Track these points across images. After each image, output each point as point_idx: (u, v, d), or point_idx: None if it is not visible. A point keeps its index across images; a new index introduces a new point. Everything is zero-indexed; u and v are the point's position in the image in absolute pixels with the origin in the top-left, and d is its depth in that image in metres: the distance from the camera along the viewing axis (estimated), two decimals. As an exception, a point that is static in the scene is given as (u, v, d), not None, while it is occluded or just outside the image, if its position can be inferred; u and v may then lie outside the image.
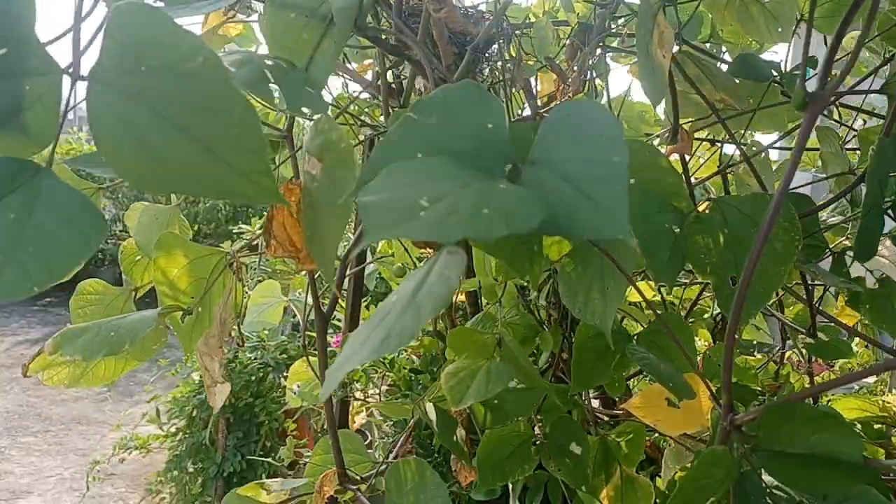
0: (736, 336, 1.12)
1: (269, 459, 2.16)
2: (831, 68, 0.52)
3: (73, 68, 0.43)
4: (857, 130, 1.17)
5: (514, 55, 0.99)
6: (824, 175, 1.12)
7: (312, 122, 0.53)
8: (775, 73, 0.88)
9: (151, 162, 0.42)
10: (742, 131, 0.96)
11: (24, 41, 0.40)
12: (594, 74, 1.18)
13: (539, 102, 1.13)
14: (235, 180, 0.43)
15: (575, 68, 1.06)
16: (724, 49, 1.30)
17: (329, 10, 0.57)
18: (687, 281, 1.31)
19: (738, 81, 0.91)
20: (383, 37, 0.66)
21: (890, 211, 0.66)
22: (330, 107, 0.65)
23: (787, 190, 0.51)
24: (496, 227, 0.39)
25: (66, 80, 0.43)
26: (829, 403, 1.33)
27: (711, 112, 0.90)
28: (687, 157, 0.93)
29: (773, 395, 1.22)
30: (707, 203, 0.72)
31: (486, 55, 0.95)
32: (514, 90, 0.99)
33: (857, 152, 1.17)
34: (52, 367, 0.65)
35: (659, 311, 1.28)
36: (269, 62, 0.54)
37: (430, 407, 0.79)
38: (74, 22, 0.42)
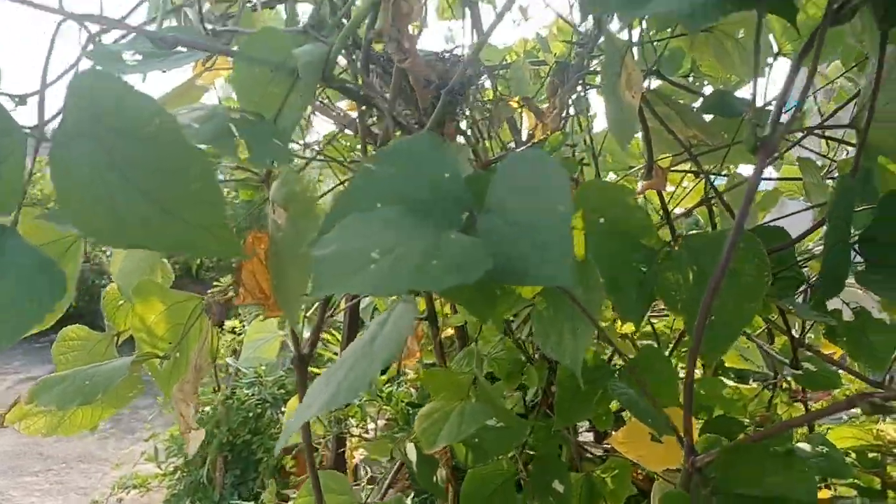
0: (709, 369, 1.12)
1: (263, 499, 2.15)
2: (781, 112, 0.53)
3: (38, 130, 0.44)
4: (836, 161, 1.18)
5: (492, 96, 1.01)
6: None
7: (279, 173, 0.55)
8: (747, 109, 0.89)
9: (112, 219, 0.44)
10: (719, 165, 0.97)
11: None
12: (576, 111, 1.21)
13: (525, 136, 1.15)
14: (195, 235, 0.44)
15: (554, 107, 1.08)
16: (706, 82, 1.33)
17: (296, 63, 0.59)
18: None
19: (709, 119, 0.93)
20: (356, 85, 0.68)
21: (857, 246, 0.66)
22: (296, 158, 0.66)
23: (742, 228, 0.52)
24: (445, 277, 0.40)
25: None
26: (827, 433, 1.32)
27: (685, 148, 0.92)
28: (663, 192, 0.95)
29: (761, 426, 1.21)
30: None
31: (465, 95, 0.97)
32: (495, 129, 1.00)
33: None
34: (29, 417, 0.65)
35: (643, 344, 1.28)
36: (235, 116, 0.55)
37: (410, 447, 0.79)
38: (40, 87, 0.43)
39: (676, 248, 0.72)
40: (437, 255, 0.40)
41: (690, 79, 1.30)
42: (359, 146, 1.30)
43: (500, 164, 0.47)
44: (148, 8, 1.02)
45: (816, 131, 1.10)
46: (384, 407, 2.23)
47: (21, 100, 0.96)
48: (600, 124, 1.57)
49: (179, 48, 0.63)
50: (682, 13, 0.45)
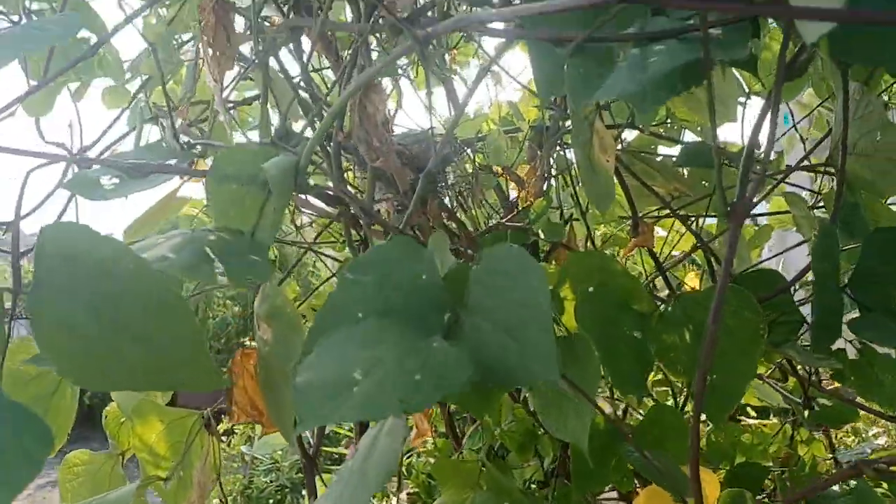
0: (722, 424, 1.09)
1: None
2: (749, 174, 0.53)
3: (14, 285, 0.45)
4: (821, 194, 1.18)
5: (471, 167, 1.02)
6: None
7: (260, 288, 0.55)
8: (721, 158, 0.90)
9: (92, 362, 0.44)
10: (706, 211, 0.97)
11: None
12: (557, 170, 1.22)
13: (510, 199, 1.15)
14: (177, 372, 0.44)
15: (535, 172, 1.09)
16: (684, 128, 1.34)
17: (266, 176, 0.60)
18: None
19: (688, 169, 0.93)
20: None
21: (848, 290, 0.66)
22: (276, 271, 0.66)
23: (725, 288, 0.51)
24: (430, 393, 0.39)
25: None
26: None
27: (669, 201, 0.92)
28: (652, 246, 0.95)
29: (785, 468, 1.18)
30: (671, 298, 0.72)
31: (444, 173, 0.98)
32: (477, 200, 1.01)
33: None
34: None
35: (658, 390, 1.26)
36: (211, 237, 0.56)
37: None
38: (13, 252, 0.44)
39: (670, 307, 0.71)
40: (421, 369, 0.39)
41: (668, 123, 1.31)
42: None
43: (477, 263, 0.48)
44: (128, 118, 1.05)
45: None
46: (405, 480, 2.19)
47: (9, 227, 0.97)
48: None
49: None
50: (633, 97, 0.45)
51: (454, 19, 0.45)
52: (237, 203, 0.61)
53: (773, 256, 1.39)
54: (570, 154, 1.25)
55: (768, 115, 0.52)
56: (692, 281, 1.51)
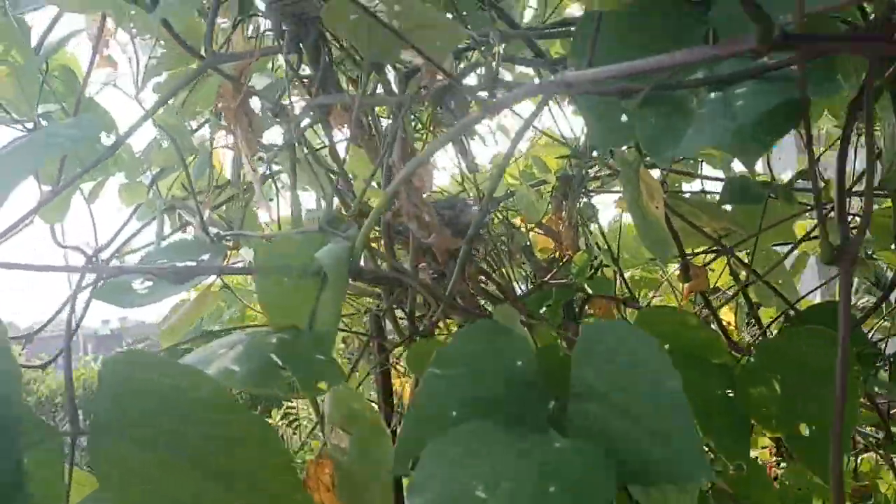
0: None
1: None
2: (846, 214, 0.50)
3: (72, 426, 0.40)
4: (857, 214, 1.15)
5: (498, 226, 0.98)
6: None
7: (330, 392, 0.50)
8: (767, 191, 0.87)
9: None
10: (753, 249, 0.93)
11: (16, 420, 0.37)
12: (584, 219, 1.18)
13: (540, 260, 1.11)
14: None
15: (565, 223, 1.06)
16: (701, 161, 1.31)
17: (319, 265, 0.55)
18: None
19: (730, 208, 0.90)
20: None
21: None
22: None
23: (848, 334, 0.47)
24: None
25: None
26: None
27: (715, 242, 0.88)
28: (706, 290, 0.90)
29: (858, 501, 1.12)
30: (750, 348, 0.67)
31: (480, 237, 0.94)
32: (514, 261, 0.97)
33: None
34: None
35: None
36: (272, 339, 0.51)
37: None
38: (67, 393, 0.39)
39: (752, 358, 0.67)
40: (552, 480, 0.34)
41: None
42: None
43: (577, 342, 0.43)
44: (139, 212, 1.01)
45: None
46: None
47: (28, 339, 0.92)
48: (604, 219, 1.54)
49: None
50: (732, 146, 0.42)
51: (526, 88, 0.41)
52: (290, 297, 0.57)
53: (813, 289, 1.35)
54: (595, 201, 1.22)
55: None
56: (727, 315, 1.46)
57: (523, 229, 0.99)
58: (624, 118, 0.55)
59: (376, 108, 0.77)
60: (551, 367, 0.48)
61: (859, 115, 0.53)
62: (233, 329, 0.99)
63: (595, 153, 1.10)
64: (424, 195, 0.61)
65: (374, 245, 0.67)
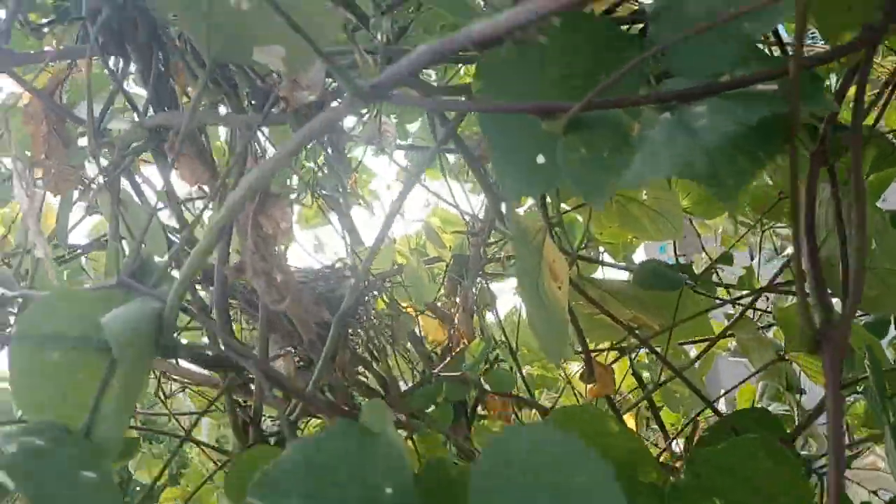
0: None
1: None
2: (825, 289, 0.38)
3: None
4: (767, 311, 1.08)
5: (385, 308, 0.83)
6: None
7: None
8: (685, 276, 0.77)
9: None
10: (665, 347, 0.83)
11: None
12: (479, 306, 1.05)
13: (428, 349, 0.96)
14: None
15: (459, 308, 0.92)
16: (601, 250, 1.23)
17: (109, 336, 0.38)
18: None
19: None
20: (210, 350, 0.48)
21: None
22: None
23: (843, 452, 0.34)
24: None
25: None
26: None
27: (627, 333, 0.77)
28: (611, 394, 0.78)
29: None
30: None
31: (356, 317, 0.79)
32: (398, 348, 0.82)
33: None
34: None
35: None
36: (10, 447, 0.33)
37: None
38: None
39: (683, 475, 0.54)
40: None
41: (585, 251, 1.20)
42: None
43: (484, 452, 0.28)
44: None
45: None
46: None
47: None
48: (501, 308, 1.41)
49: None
50: (702, 177, 0.30)
51: (405, 61, 0.27)
52: (61, 381, 0.39)
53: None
54: (494, 286, 1.09)
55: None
56: (628, 421, 1.35)
57: (411, 311, 0.84)
58: (541, 158, 0.43)
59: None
60: (439, 490, 0.33)
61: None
62: None
63: (495, 228, 0.98)
64: (280, 248, 0.45)
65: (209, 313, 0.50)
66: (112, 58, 0.49)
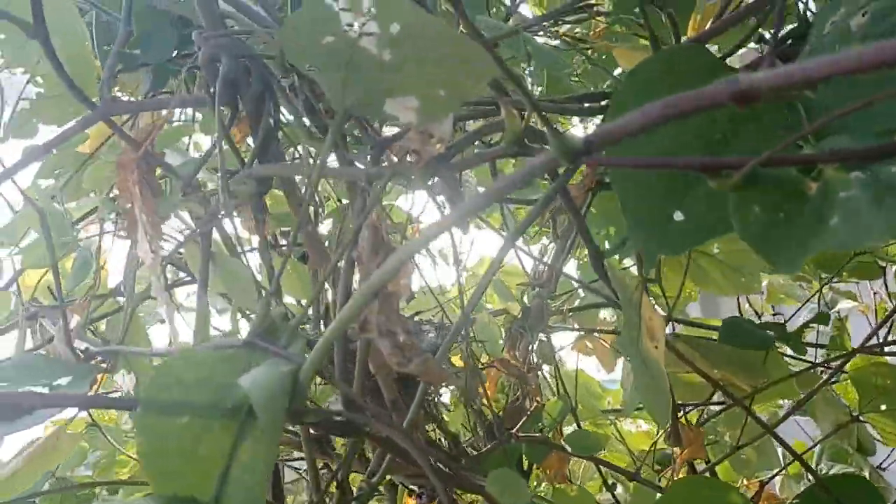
0: None
1: None
2: None
3: None
4: (837, 370, 1.05)
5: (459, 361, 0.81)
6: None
7: None
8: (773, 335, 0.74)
9: None
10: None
11: None
12: (538, 359, 1.02)
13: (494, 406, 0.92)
14: None
15: (524, 363, 0.89)
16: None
17: (241, 399, 0.36)
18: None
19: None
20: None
21: None
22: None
23: None
24: None
25: None
26: None
27: (714, 390, 0.73)
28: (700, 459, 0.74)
29: None
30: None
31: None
32: (473, 405, 0.79)
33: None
34: None
35: None
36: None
37: None
38: None
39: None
40: None
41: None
42: None
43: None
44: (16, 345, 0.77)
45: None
46: None
47: None
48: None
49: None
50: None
51: (541, 159, 0.25)
52: (187, 448, 0.36)
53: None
54: (555, 339, 1.06)
55: None
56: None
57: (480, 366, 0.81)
58: (678, 216, 0.41)
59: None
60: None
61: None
62: (95, 485, 0.73)
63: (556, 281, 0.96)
64: (401, 305, 0.43)
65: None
66: (224, 107, 0.48)
